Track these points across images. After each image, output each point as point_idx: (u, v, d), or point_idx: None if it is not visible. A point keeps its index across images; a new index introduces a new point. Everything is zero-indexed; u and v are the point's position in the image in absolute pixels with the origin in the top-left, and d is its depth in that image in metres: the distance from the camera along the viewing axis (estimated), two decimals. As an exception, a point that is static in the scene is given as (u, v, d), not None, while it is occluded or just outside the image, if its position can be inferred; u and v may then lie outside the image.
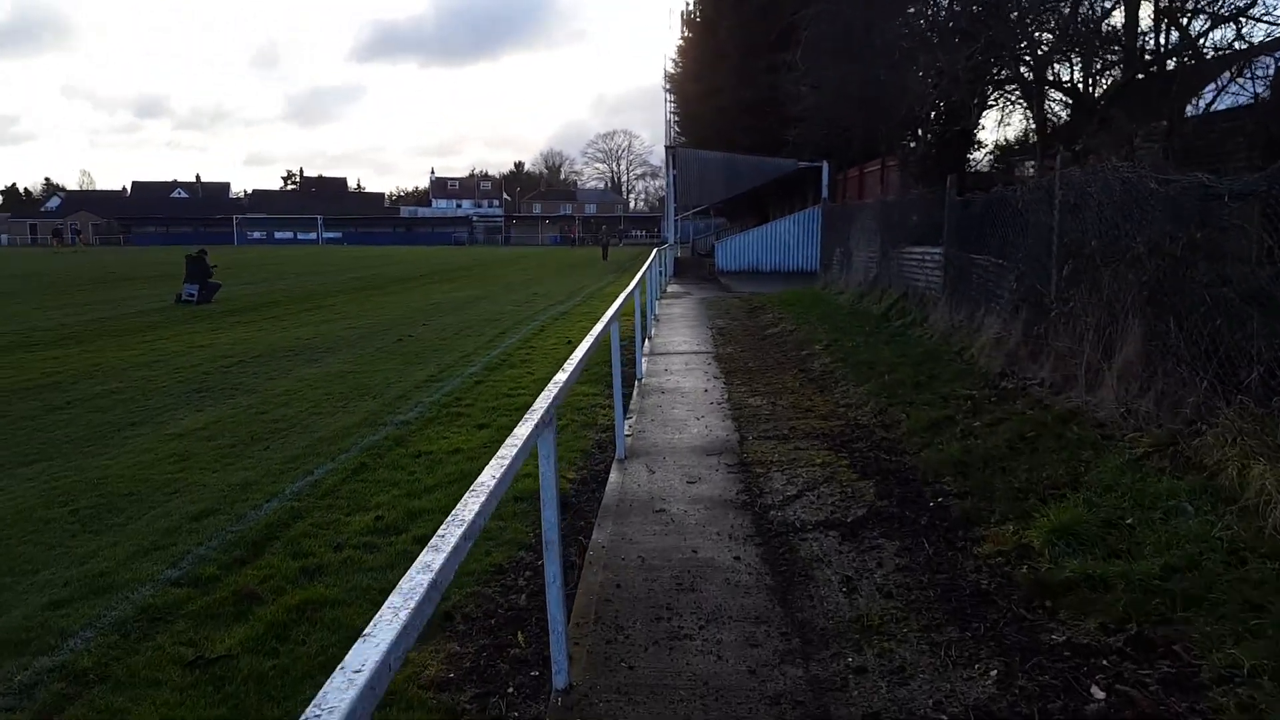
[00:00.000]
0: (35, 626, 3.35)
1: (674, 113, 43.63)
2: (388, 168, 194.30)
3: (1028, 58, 13.41)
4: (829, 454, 6.32)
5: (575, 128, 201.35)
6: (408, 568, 1.53)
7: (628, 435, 6.93)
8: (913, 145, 17.40)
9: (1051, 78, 11.15)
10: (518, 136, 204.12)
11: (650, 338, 12.81)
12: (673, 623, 3.52)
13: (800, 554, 4.44)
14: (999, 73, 12.99)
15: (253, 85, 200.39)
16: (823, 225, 19.99)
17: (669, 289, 23.30)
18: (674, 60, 42.56)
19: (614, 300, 8.29)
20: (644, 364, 10.40)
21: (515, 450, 2.27)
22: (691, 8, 41.18)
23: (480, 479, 2.01)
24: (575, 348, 4.97)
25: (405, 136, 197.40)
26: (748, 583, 4.00)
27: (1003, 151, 16.98)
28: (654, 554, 4.28)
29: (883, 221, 13.72)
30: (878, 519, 5.02)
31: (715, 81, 37.53)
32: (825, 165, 29.36)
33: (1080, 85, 10.98)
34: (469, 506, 1.76)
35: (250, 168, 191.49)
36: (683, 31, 43.83)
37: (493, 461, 2.17)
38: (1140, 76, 10.92)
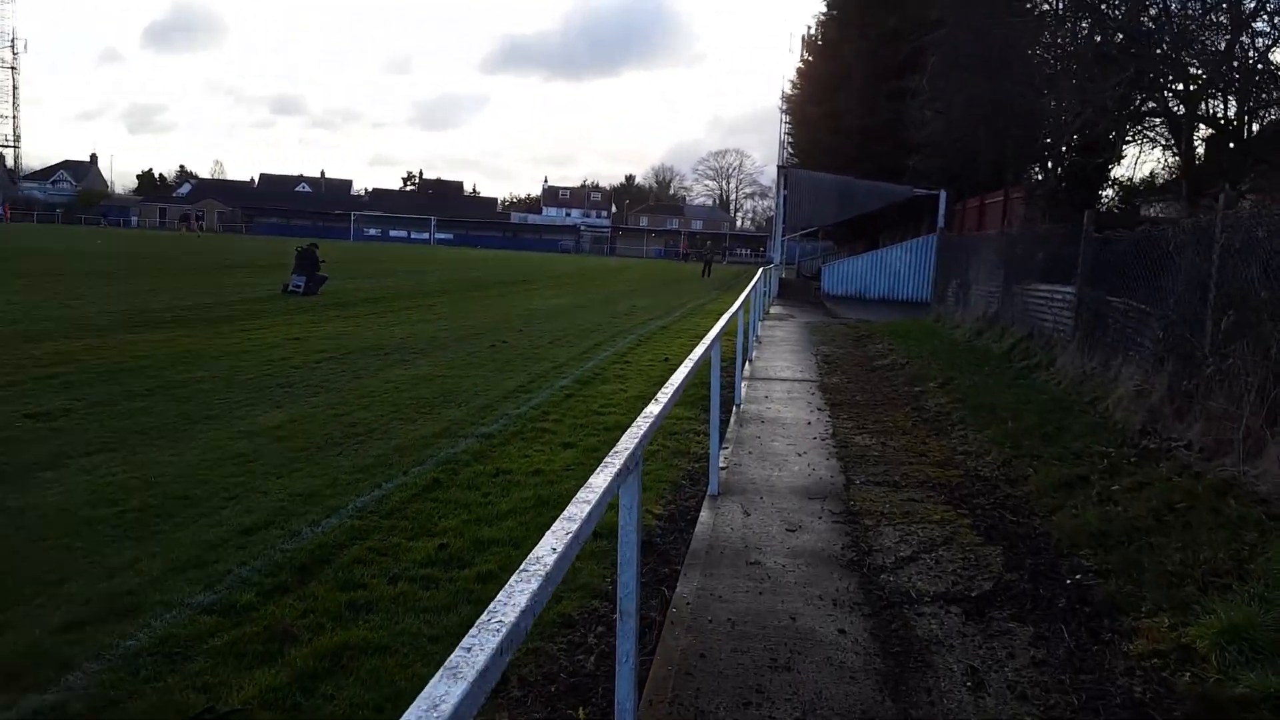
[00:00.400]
0: (37, 654, 3.05)
1: (788, 134, 42.91)
2: (504, 175, 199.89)
3: (1179, 86, 12.27)
4: (947, 509, 5.62)
5: (689, 146, 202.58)
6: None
7: (723, 468, 6.40)
8: (1040, 177, 16.27)
9: (1203, 112, 10.07)
10: (632, 152, 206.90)
11: (751, 361, 12.23)
12: (763, 710, 2.98)
13: (916, 632, 3.81)
14: (1143, 105, 11.90)
15: (384, 89, 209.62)
16: (938, 255, 18.96)
17: (772, 310, 22.61)
18: (793, 82, 41.91)
19: (716, 318, 7.79)
20: (743, 389, 9.84)
21: (588, 509, 1.80)
22: (814, 31, 40.43)
23: (538, 550, 1.55)
24: (673, 367, 4.49)
25: (524, 146, 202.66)
26: (854, 664, 3.41)
27: (1128, 191, 15.67)
28: (746, 617, 3.74)
29: (1007, 255, 12.75)
30: (1007, 596, 4.33)
31: (835, 105, 36.66)
32: (943, 194, 28.15)
33: (1234, 122, 9.87)
34: (514, 599, 1.30)
35: (374, 168, 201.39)
36: (803, 54, 43.10)
37: (558, 524, 1.70)
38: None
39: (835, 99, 36.34)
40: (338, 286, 23.64)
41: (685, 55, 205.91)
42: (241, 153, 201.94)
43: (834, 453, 7.09)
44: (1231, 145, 13.61)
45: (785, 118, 42.15)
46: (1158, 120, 11.89)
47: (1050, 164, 15.82)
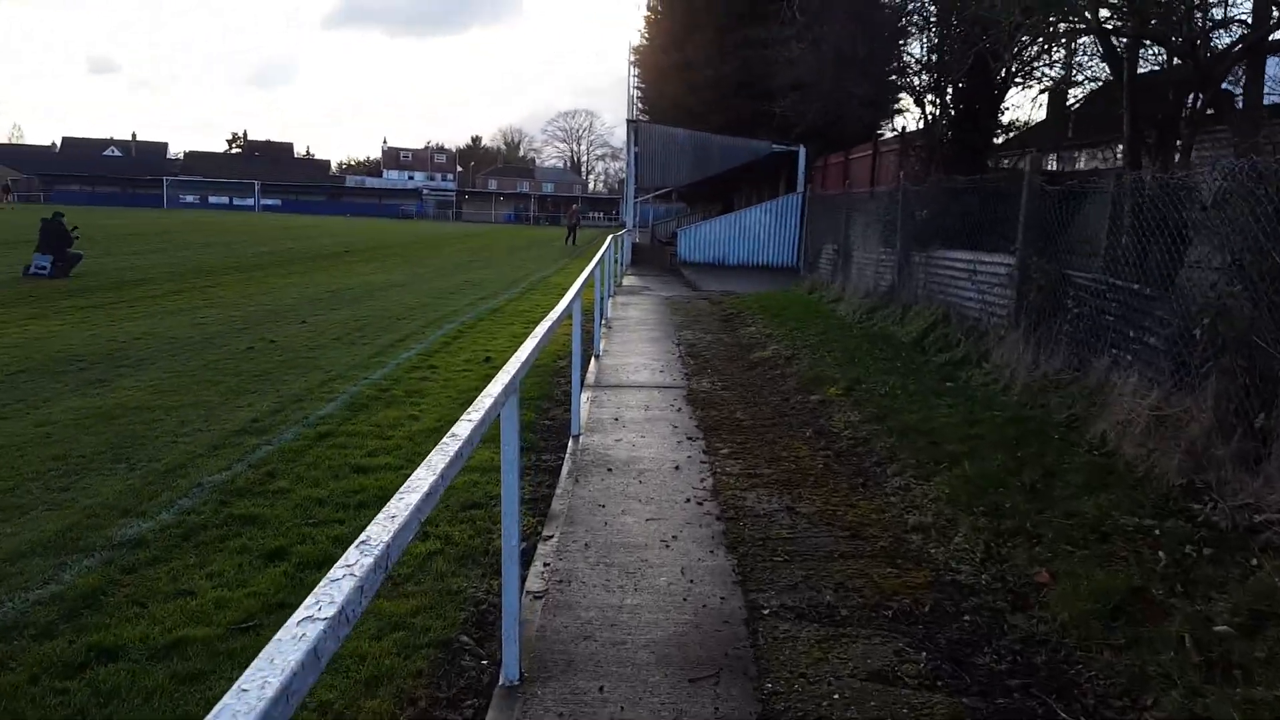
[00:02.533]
0: None
1: (638, 88, 40.11)
2: (347, 137, 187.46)
3: None
4: (932, 683, 3.09)
5: (541, 109, 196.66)
6: None
7: (539, 597, 3.64)
8: (920, 126, 14.28)
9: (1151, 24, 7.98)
10: (480, 114, 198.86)
11: (598, 357, 9.49)
12: None
13: None
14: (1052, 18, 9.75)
15: (216, 47, 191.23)
16: (806, 216, 16.84)
17: (625, 282, 19.95)
18: (641, 31, 39.01)
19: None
20: (584, 407, 7.09)
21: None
22: (663, -27, 37.61)
23: None
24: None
25: (366, 106, 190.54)
26: None
27: (1020, 135, 13.91)
28: None
29: (902, 215, 10.59)
30: None
31: (685, 54, 34.13)
32: (802, 150, 26.27)
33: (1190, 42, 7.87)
34: None
35: (201, 132, 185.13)
36: (653, 2, 40.28)
37: None
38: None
39: (686, 47, 33.84)
40: (100, 265, 19.14)
41: (535, 13, 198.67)
42: (54, 116, 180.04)
43: (719, 534, 4.46)
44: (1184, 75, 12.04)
45: (635, 70, 39.30)
46: (1079, 27, 9.63)
47: (932, 107, 13.81)
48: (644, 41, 39.31)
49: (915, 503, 4.93)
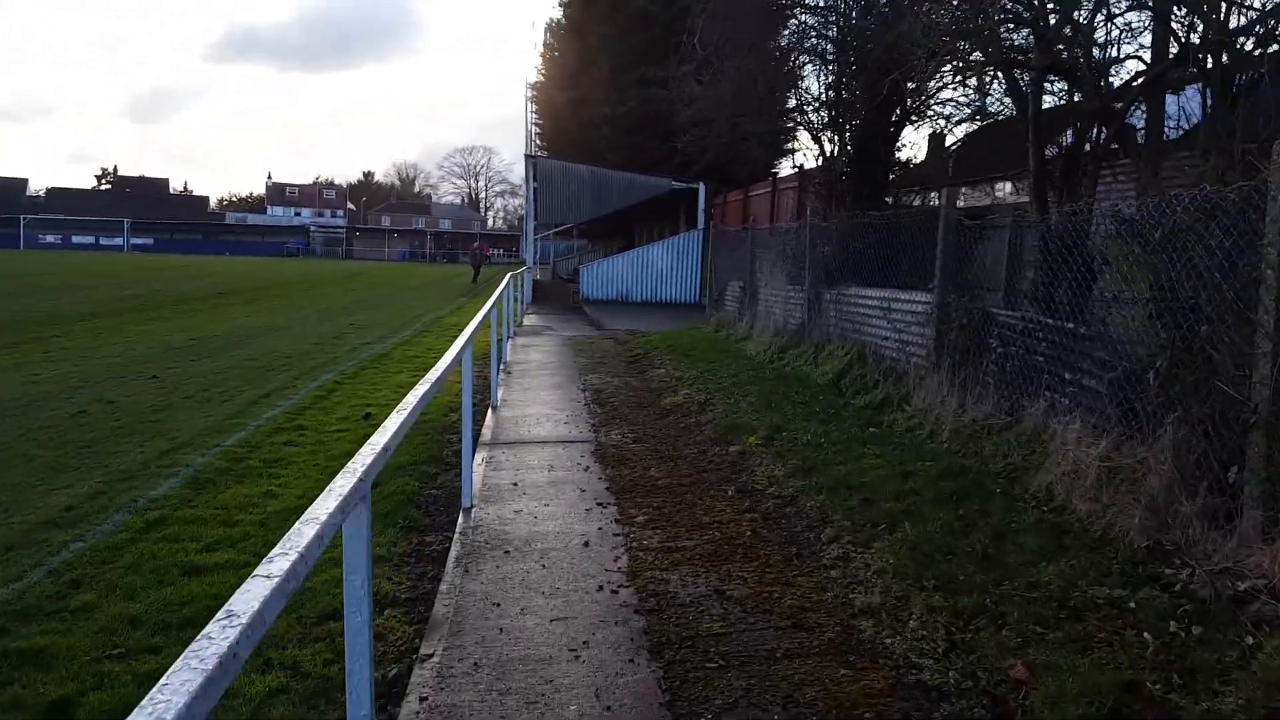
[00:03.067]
0: None
1: (536, 124, 39.62)
2: (233, 173, 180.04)
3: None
4: None
5: (437, 146, 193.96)
6: None
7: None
8: (820, 163, 14.16)
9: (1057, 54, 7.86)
10: (375, 151, 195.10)
11: (495, 408, 8.65)
12: None
13: None
14: (961, 45, 9.65)
15: (90, 77, 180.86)
16: (711, 253, 16.47)
17: (526, 321, 19.12)
18: (539, 68, 38.64)
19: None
20: (478, 471, 6.26)
21: None
22: (560, 11, 37.43)
23: None
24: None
25: (255, 142, 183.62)
26: None
27: (906, 174, 13.94)
28: None
29: (810, 251, 10.23)
30: None
31: (582, 91, 33.93)
32: (702, 187, 26.23)
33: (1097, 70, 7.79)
34: None
35: (75, 165, 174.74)
36: (547, 37, 40.06)
37: None
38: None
39: (582, 84, 33.64)
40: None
41: (431, 49, 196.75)
42: None
43: (639, 633, 3.71)
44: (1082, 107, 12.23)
45: (532, 106, 38.79)
46: (982, 57, 9.51)
47: (830, 144, 13.68)
48: (541, 78, 38.98)
49: (858, 577, 4.31)
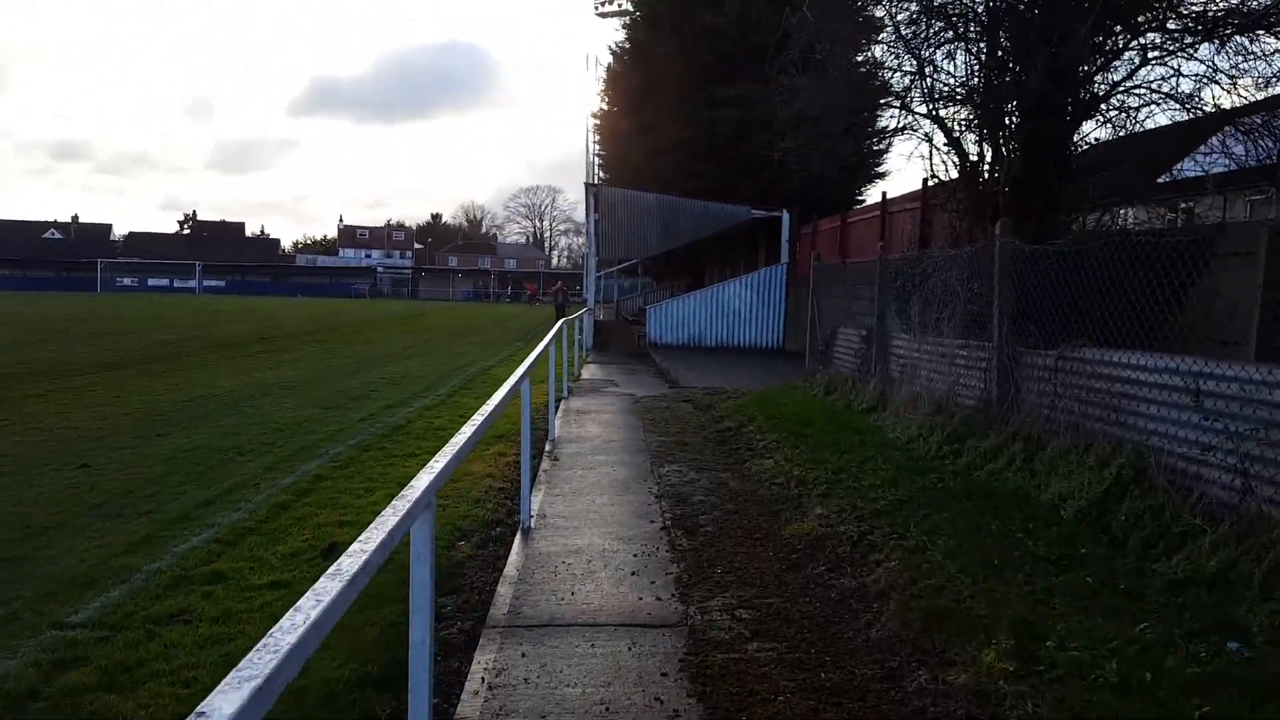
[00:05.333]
0: None
1: (599, 154, 37.20)
2: (312, 220, 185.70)
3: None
4: None
5: (504, 190, 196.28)
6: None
7: None
8: (961, 172, 10.99)
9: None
10: (446, 196, 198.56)
11: (528, 532, 5.60)
12: None
13: None
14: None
15: (182, 131, 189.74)
16: (811, 291, 13.26)
17: (584, 374, 16.18)
18: (601, 94, 36.28)
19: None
20: (477, 702, 3.19)
21: None
22: (623, 33, 35.06)
23: None
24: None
25: (333, 189, 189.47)
26: None
27: (1094, 182, 10.50)
28: None
29: (997, 290, 6.93)
30: None
31: (646, 116, 31.31)
32: (785, 215, 23.15)
33: None
34: None
35: (164, 213, 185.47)
36: (611, 64, 37.71)
37: None
38: None
39: (646, 110, 31.02)
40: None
41: (499, 98, 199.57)
42: (23, 201, 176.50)
43: None
44: None
45: (595, 135, 36.40)
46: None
47: (974, 147, 10.49)
48: (603, 105, 36.56)
49: None
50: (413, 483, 2.50)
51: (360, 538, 2.00)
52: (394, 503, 2.27)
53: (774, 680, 3.67)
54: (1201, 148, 10.64)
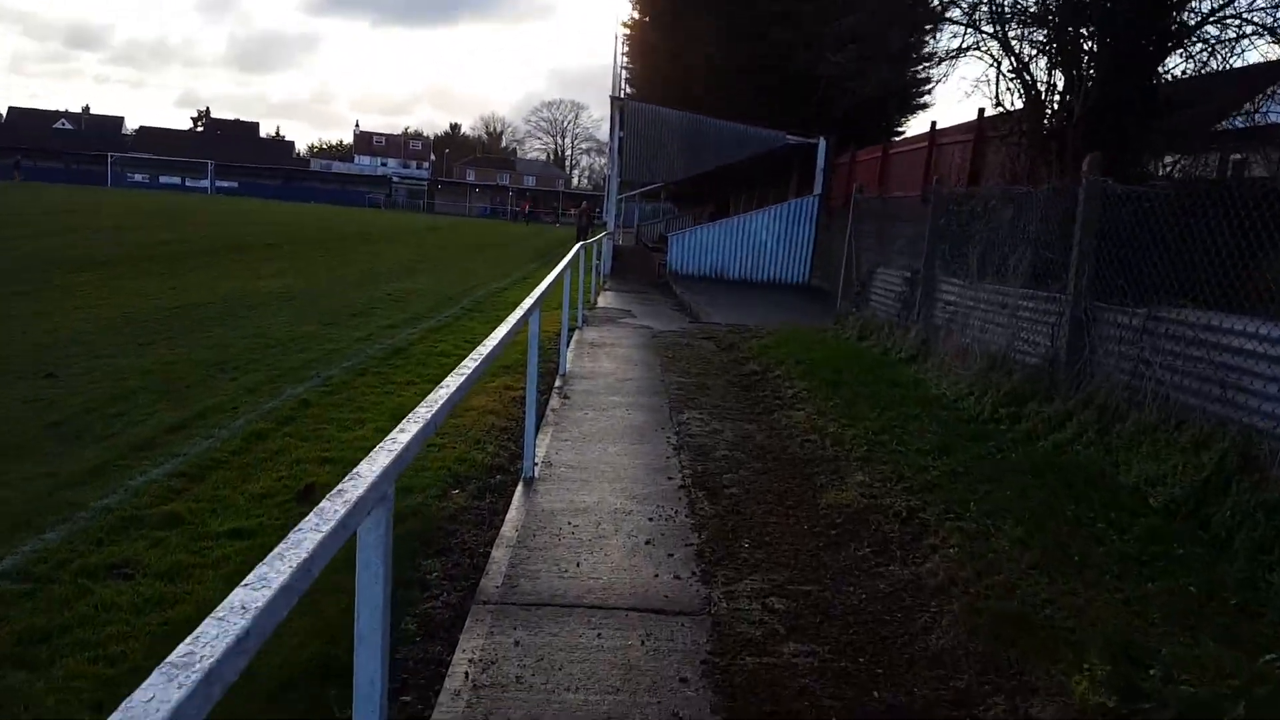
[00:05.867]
0: None
1: (627, 67, 35.56)
2: (327, 123, 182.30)
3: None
4: None
5: (527, 103, 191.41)
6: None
7: None
8: (1025, 102, 10.03)
9: None
10: (468, 106, 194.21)
11: (531, 482, 4.94)
12: None
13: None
14: None
15: (198, 24, 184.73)
16: (850, 228, 12.33)
17: (601, 302, 15.41)
18: (634, 2, 34.42)
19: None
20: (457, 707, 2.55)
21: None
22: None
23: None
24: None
25: (351, 93, 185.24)
26: None
27: (1183, 122, 9.44)
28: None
29: (1080, 237, 6.03)
30: None
31: (683, 29, 29.67)
32: (822, 142, 21.92)
33: None
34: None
35: (182, 109, 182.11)
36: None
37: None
38: None
39: (682, 21, 29.37)
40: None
41: (524, 6, 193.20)
42: (24, 87, 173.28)
43: None
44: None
45: (624, 47, 34.72)
46: None
47: (1044, 74, 9.50)
48: (634, 14, 34.73)
49: None
50: (359, 468, 1.78)
51: (260, 566, 1.29)
52: (325, 502, 1.55)
53: (816, 699, 3.02)
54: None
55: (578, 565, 3.87)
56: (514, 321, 4.13)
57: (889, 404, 6.59)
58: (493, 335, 3.61)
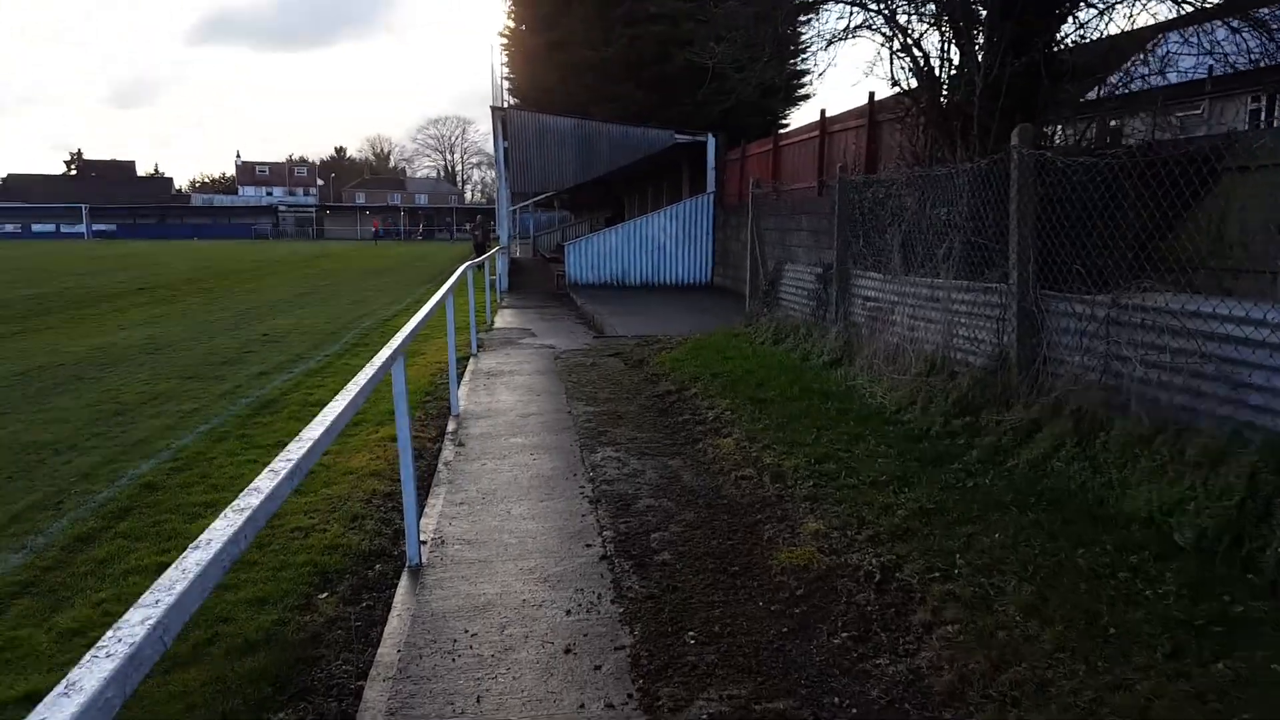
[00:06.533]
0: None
1: (508, 77, 34.56)
2: (208, 155, 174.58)
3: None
4: None
5: (416, 122, 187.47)
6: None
7: None
8: (919, 80, 9.67)
9: None
10: (352, 131, 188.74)
11: (419, 572, 4.07)
12: None
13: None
14: None
15: (74, 64, 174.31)
16: (753, 222, 11.79)
17: (498, 322, 14.47)
18: (508, 9, 33.45)
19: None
20: None
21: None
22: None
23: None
24: None
25: (230, 124, 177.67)
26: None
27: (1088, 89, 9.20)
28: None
29: (1016, 215, 5.48)
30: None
31: (559, 33, 28.92)
32: (712, 139, 21.53)
33: None
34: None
35: (58, 153, 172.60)
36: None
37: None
38: None
39: (560, 25, 28.64)
40: None
41: (406, 24, 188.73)
42: None
43: None
44: None
45: (503, 56, 33.65)
46: None
47: (939, 51, 9.13)
48: (511, 23, 33.76)
49: None
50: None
51: None
52: None
53: None
54: (1185, 47, 9.44)
55: (478, 701, 3.02)
56: (362, 384, 3.28)
57: (825, 422, 5.96)
58: (326, 412, 2.75)
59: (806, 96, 29.59)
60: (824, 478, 4.85)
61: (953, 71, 9.44)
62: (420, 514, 4.84)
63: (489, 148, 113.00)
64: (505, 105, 27.42)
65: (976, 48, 8.78)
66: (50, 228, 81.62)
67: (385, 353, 4.00)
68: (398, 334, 4.47)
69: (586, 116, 23.14)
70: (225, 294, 21.07)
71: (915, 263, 6.62)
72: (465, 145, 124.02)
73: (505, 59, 33.31)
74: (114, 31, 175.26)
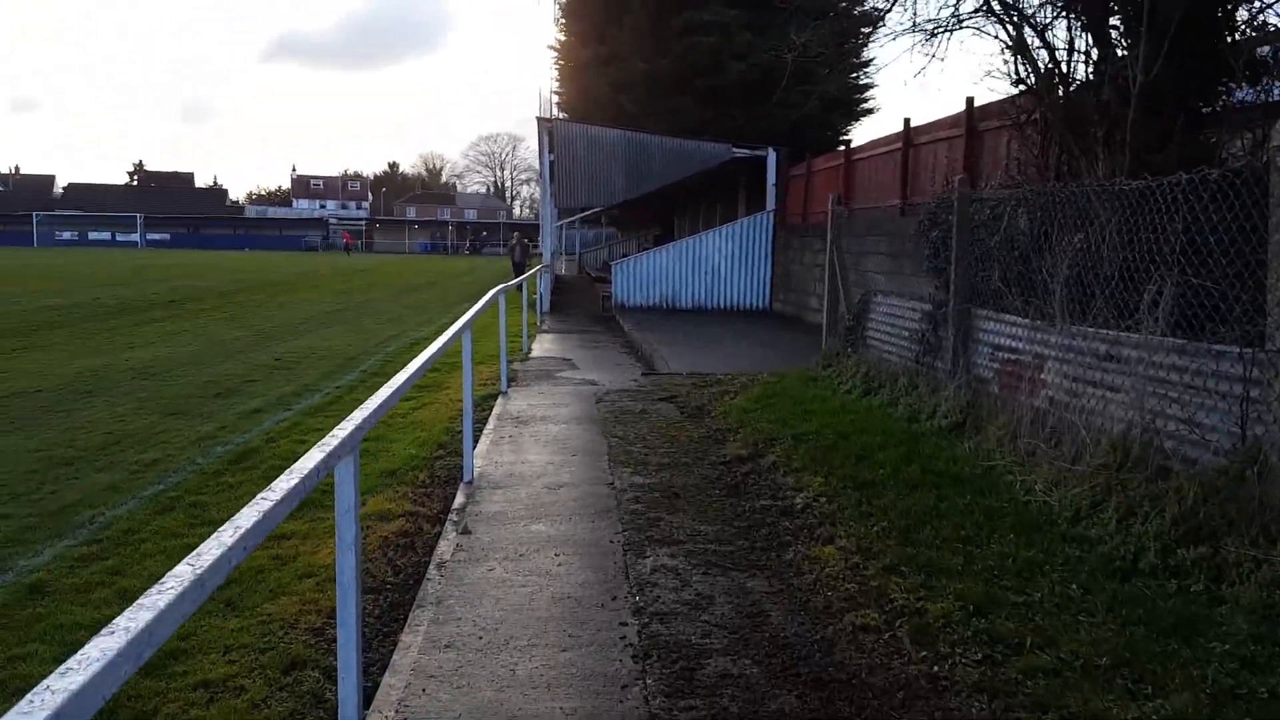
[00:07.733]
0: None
1: (556, 91, 33.38)
2: (267, 169, 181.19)
3: None
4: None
5: (466, 139, 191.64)
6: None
7: None
8: (1037, 79, 7.92)
9: None
10: (407, 146, 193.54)
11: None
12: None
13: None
14: None
15: (141, 81, 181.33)
16: (832, 245, 10.06)
17: (535, 350, 12.92)
18: (559, 21, 32.29)
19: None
20: None
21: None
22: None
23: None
24: None
25: (291, 139, 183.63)
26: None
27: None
28: None
29: (1275, 251, 3.73)
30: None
31: (611, 46, 27.59)
32: (772, 154, 19.84)
33: None
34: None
35: (119, 163, 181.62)
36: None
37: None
38: None
39: (610, 38, 27.32)
40: None
41: (464, 42, 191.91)
42: None
43: None
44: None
45: (553, 71, 32.49)
46: None
47: (1070, 45, 7.41)
48: (561, 36, 32.58)
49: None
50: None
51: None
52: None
53: None
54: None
55: None
56: (285, 492, 1.68)
57: (971, 529, 4.20)
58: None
59: (870, 111, 27.80)
60: (999, 646, 3.10)
61: (1090, 68, 7.67)
62: (387, 669, 3.25)
63: (537, 164, 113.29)
64: (553, 118, 26.09)
65: (1120, 37, 7.00)
66: (106, 235, 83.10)
67: (314, 455, 2.41)
68: (350, 418, 2.85)
69: (638, 131, 21.67)
70: (254, 309, 19.95)
71: (1098, 308, 4.84)
72: (515, 162, 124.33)
73: (555, 72, 32.15)
74: (190, 53, 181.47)
